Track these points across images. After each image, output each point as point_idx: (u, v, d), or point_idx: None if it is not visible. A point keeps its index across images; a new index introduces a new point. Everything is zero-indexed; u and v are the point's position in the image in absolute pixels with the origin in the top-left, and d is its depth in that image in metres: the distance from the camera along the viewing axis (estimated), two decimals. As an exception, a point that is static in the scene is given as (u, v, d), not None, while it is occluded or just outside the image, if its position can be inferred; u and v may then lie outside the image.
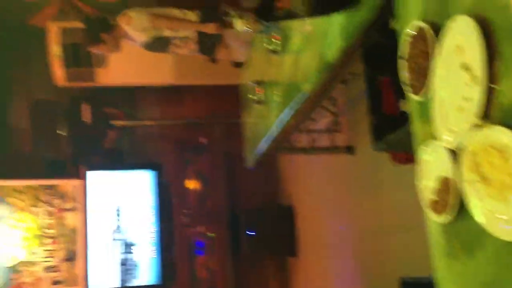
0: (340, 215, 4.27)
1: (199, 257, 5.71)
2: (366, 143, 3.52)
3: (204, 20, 3.86)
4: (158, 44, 4.07)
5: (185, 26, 3.92)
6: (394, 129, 1.67)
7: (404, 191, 2.82)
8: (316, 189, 4.88)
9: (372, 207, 3.56)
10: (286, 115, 2.69)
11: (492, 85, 0.98)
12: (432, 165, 1.18)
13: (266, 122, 3.20)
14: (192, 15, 3.94)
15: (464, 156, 1.03)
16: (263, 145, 3.37)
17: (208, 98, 5.92)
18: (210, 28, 3.85)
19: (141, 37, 4.02)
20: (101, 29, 4.07)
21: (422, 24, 1.21)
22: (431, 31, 1.17)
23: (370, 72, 1.86)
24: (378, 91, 1.82)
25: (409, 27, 1.26)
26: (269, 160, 5.27)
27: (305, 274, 5.25)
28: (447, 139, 1.11)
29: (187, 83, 5.81)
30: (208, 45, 3.99)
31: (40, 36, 5.37)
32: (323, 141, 4.10)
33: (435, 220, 1.16)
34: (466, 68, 1.06)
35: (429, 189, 1.19)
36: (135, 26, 3.97)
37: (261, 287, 5.71)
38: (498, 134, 0.95)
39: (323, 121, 3.89)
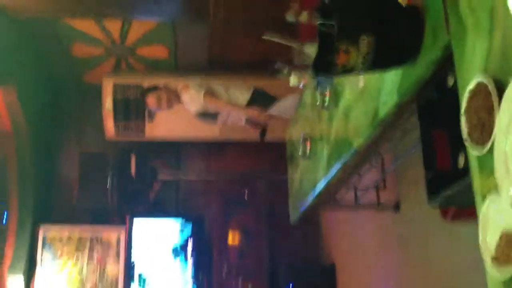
0: (385, 276, 4.17)
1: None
2: (413, 200, 3.48)
3: (251, 102, 4.07)
4: (208, 117, 4.32)
5: (233, 112, 4.24)
6: (449, 184, 1.67)
7: (453, 249, 2.76)
8: (359, 248, 4.80)
9: (420, 267, 3.47)
10: (333, 169, 2.71)
11: (559, 139, 0.99)
12: (494, 220, 1.18)
13: (312, 177, 3.21)
14: (241, 97, 4.15)
15: (531, 209, 1.03)
16: (308, 201, 3.37)
17: (251, 154, 5.99)
18: (255, 114, 4.18)
19: (193, 107, 4.27)
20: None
21: (486, 79, 1.23)
22: (494, 87, 1.19)
23: (425, 127, 1.88)
24: (433, 146, 1.82)
25: (472, 83, 1.28)
26: (312, 217, 5.25)
27: (347, 336, 5.09)
28: (511, 193, 1.11)
29: (232, 138, 5.91)
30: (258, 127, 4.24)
31: (94, 90, 5.61)
32: (369, 197, 4.07)
33: (496, 276, 1.14)
34: (530, 122, 1.06)
35: (491, 245, 1.17)
36: (190, 96, 4.22)
37: None
38: None
39: (369, 177, 3.88)
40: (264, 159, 5.82)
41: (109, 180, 5.61)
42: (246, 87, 4.37)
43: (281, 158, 4.30)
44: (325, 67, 1.62)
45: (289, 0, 4.25)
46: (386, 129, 2.07)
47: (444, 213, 2.44)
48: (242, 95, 4.28)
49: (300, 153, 3.34)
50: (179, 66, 5.84)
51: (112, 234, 5.49)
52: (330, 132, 2.76)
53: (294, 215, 3.94)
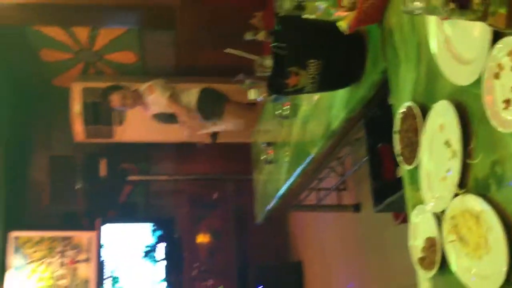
0: (348, 272, 4.37)
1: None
2: (371, 203, 3.68)
3: (201, 101, 4.39)
4: (167, 118, 4.48)
5: (190, 121, 4.54)
6: (393, 192, 1.84)
7: (405, 248, 2.96)
8: (324, 246, 4.99)
9: (378, 264, 3.67)
10: (294, 175, 2.88)
11: (468, 160, 1.16)
12: (420, 226, 1.36)
13: (276, 180, 3.38)
14: (191, 98, 4.33)
15: (446, 219, 1.21)
16: (272, 203, 3.54)
17: (220, 156, 6.12)
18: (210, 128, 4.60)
19: (155, 108, 4.43)
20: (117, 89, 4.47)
21: (412, 104, 1.40)
22: (419, 111, 1.36)
23: (371, 140, 2.05)
24: (379, 157, 2.00)
25: (401, 106, 1.46)
26: (279, 217, 5.42)
27: (313, 331, 5.29)
28: (432, 205, 1.29)
29: (200, 141, 6.02)
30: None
31: (63, 94, 5.66)
32: (331, 199, 4.27)
33: (424, 275, 1.32)
34: (447, 144, 1.24)
35: (418, 248, 1.35)
36: (155, 96, 4.36)
37: None
38: (473, 202, 1.12)
39: (330, 180, 4.07)
40: (232, 160, 5.96)
41: (78, 183, 5.68)
42: (196, 87, 4.58)
43: (249, 160, 4.46)
44: (278, 87, 1.78)
45: (252, 11, 4.43)
46: (338, 140, 2.25)
47: (396, 216, 2.63)
48: (192, 95, 4.47)
49: (264, 158, 3.50)
50: (147, 71, 5.94)
51: (83, 238, 5.57)
52: (290, 139, 2.92)
53: (260, 215, 4.10)
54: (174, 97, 4.44)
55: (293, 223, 5.94)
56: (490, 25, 0.83)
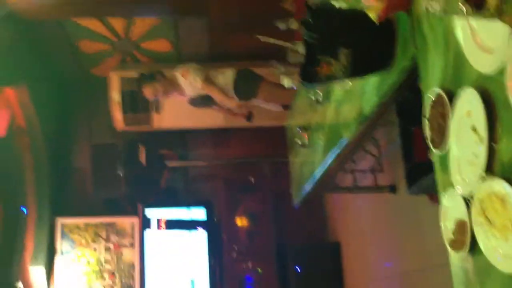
0: (386, 252, 4.42)
1: (249, 292, 5.91)
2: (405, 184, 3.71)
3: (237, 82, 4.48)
4: (203, 101, 4.55)
5: (226, 101, 4.62)
6: (425, 174, 1.88)
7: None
8: (362, 227, 5.04)
9: (415, 244, 3.71)
10: (328, 158, 2.93)
11: (494, 144, 1.21)
12: (450, 209, 1.41)
13: (310, 164, 3.44)
14: (228, 79, 4.48)
15: (474, 202, 1.26)
16: (308, 186, 3.60)
17: (255, 139, 6.20)
18: (236, 105, 4.64)
19: (190, 92, 4.50)
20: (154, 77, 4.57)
21: (440, 91, 1.44)
22: (446, 98, 1.41)
23: (403, 123, 2.09)
24: (411, 140, 2.04)
25: (430, 92, 1.50)
26: (316, 199, 5.48)
27: (352, 310, 5.37)
28: (461, 188, 1.34)
29: (235, 125, 6.12)
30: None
31: (102, 84, 5.83)
32: (367, 180, 4.30)
33: (454, 256, 1.38)
34: (474, 129, 1.29)
35: (449, 230, 1.41)
36: (189, 81, 4.44)
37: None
38: (499, 185, 1.17)
39: (366, 162, 4.10)
40: (268, 144, 6.02)
41: (120, 170, 5.85)
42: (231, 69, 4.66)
43: (284, 143, 4.52)
44: (310, 76, 1.84)
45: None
46: (371, 124, 2.30)
47: (430, 196, 2.67)
48: (228, 77, 4.54)
49: (298, 142, 3.56)
50: (182, 58, 6.04)
51: (126, 223, 5.76)
52: (324, 123, 2.98)
53: (296, 198, 4.16)
54: (209, 79, 4.51)
55: (330, 205, 6.00)
56: (506, 23, 0.87)
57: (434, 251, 3.25)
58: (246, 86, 4.59)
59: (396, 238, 4.12)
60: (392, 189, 4.01)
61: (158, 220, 5.79)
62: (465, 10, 0.82)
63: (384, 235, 4.41)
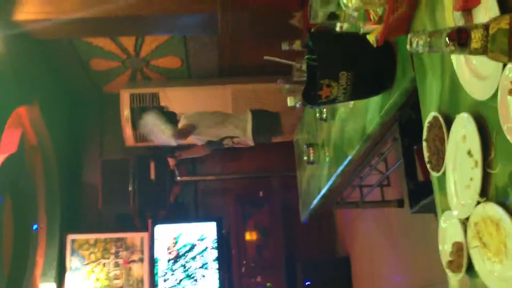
0: (395, 267, 4.41)
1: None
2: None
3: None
4: (215, 143, 4.93)
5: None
6: (427, 194, 1.90)
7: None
8: (371, 241, 5.04)
9: (425, 259, 3.70)
10: (334, 174, 2.96)
11: (489, 170, 1.23)
12: (448, 231, 1.43)
13: (318, 180, 3.47)
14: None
15: (470, 226, 1.28)
16: (315, 201, 3.63)
17: (263, 154, 6.23)
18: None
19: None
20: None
21: (437, 114, 1.47)
22: (443, 122, 1.43)
23: (406, 142, 2.12)
24: (414, 158, 2.06)
25: (430, 116, 1.53)
26: (324, 213, 5.49)
27: (362, 325, 5.35)
28: (458, 211, 1.36)
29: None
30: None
31: (113, 101, 5.91)
32: (375, 195, 4.30)
33: (452, 277, 1.40)
34: (470, 154, 1.31)
35: (446, 251, 1.43)
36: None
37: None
38: (493, 209, 1.19)
39: (373, 176, 4.11)
40: (276, 158, 6.05)
41: (130, 185, 5.90)
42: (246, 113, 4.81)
43: (292, 157, 4.54)
44: (312, 99, 1.87)
45: (290, 12, 4.51)
46: (374, 142, 2.33)
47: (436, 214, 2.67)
48: (244, 121, 4.74)
49: (305, 158, 3.59)
50: (192, 74, 6.12)
51: (136, 238, 5.80)
52: (330, 141, 3.01)
53: (304, 213, 4.18)
54: (181, 132, 4.68)
55: (339, 219, 6.00)
56: (490, 59, 0.90)
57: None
58: (268, 132, 4.72)
59: (406, 253, 4.12)
60: (400, 203, 4.02)
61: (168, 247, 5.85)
62: (450, 48, 0.84)
63: (394, 249, 4.41)
